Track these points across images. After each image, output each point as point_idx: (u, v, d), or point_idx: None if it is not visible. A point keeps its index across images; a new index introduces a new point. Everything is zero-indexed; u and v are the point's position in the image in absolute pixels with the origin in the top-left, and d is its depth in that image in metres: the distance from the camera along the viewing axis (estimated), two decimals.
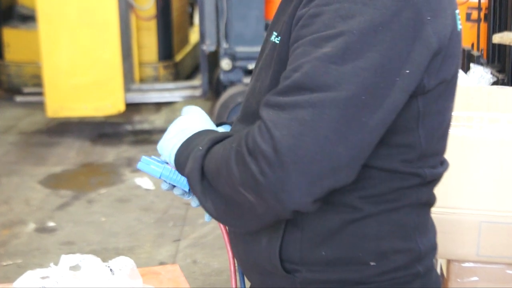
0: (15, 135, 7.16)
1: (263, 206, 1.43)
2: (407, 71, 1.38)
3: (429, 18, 1.40)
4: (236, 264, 1.78)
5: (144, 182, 5.79)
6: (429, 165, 1.56)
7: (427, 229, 1.63)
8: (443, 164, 1.66)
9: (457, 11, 1.53)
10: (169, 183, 1.75)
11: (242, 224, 1.55)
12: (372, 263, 1.54)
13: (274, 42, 1.55)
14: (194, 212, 5.18)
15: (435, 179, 1.62)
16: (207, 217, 1.72)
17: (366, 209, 1.51)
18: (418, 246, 1.58)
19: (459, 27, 1.53)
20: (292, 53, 1.42)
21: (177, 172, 1.71)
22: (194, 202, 1.74)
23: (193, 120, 1.67)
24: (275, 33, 1.57)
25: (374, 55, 1.35)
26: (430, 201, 1.64)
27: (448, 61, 1.48)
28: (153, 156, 1.77)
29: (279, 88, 1.39)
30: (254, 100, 1.63)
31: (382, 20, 1.35)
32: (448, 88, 1.53)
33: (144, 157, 1.75)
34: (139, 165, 1.75)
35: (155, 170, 1.73)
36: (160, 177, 1.73)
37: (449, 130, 1.65)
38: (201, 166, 1.52)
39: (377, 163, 1.49)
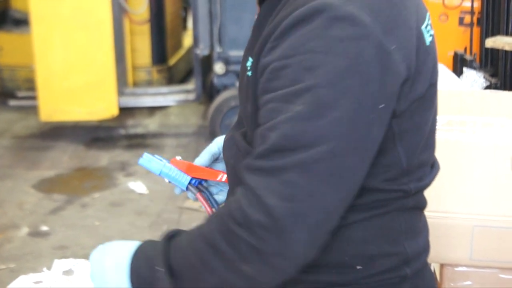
0: (9, 139, 7.15)
1: (269, 273, 1.40)
2: (381, 106, 1.38)
3: (393, 47, 1.38)
4: None
5: (138, 186, 5.79)
6: (415, 179, 1.57)
7: (416, 232, 1.63)
8: (433, 169, 1.67)
9: (423, 26, 1.51)
10: (169, 181, 1.79)
11: None
12: (358, 267, 1.55)
13: (248, 75, 1.54)
14: (187, 216, 5.18)
15: (424, 188, 1.62)
16: (190, 194, 1.80)
17: (351, 217, 1.51)
18: (405, 250, 1.58)
19: (428, 41, 1.51)
20: (263, 105, 1.41)
21: (176, 170, 1.77)
22: (190, 194, 1.80)
23: (110, 253, 1.54)
24: (248, 63, 1.55)
25: (346, 102, 1.34)
26: (420, 205, 1.64)
27: (418, 80, 1.47)
28: (156, 155, 1.82)
29: (260, 152, 1.38)
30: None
31: (346, 65, 1.34)
32: (423, 103, 1.51)
33: (146, 154, 1.81)
34: (141, 161, 1.81)
35: (155, 167, 1.80)
36: (159, 174, 1.80)
37: (434, 136, 1.64)
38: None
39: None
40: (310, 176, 1.34)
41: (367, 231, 1.53)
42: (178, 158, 1.83)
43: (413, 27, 1.45)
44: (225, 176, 1.84)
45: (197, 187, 1.82)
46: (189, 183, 1.81)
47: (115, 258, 1.50)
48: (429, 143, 1.61)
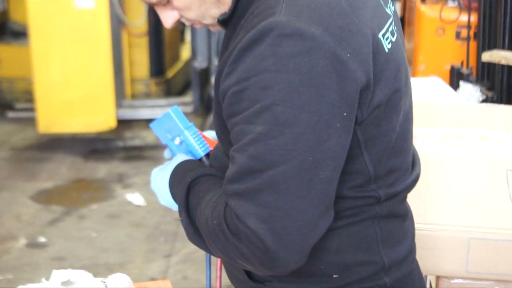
0: (7, 150, 7.16)
1: (259, 272, 1.51)
2: (345, 114, 1.41)
3: (348, 55, 1.40)
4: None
5: (135, 198, 5.80)
6: (385, 185, 1.58)
7: (395, 240, 1.64)
8: (411, 173, 1.68)
9: (380, 34, 1.52)
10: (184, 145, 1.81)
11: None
12: (335, 276, 1.58)
13: (213, 96, 1.58)
14: None
15: (398, 194, 1.63)
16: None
17: None
18: (381, 259, 1.60)
19: (387, 48, 1.53)
20: (231, 129, 1.46)
21: (199, 138, 1.79)
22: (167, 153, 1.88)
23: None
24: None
25: (305, 117, 1.37)
26: (397, 213, 1.65)
27: (378, 86, 1.48)
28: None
29: (231, 176, 1.43)
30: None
31: (300, 80, 1.37)
32: (387, 110, 1.53)
33: (177, 107, 1.81)
34: (173, 109, 1.80)
35: (184, 122, 1.80)
36: (186, 129, 1.80)
37: (408, 140, 1.65)
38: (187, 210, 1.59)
39: None
40: (282, 195, 1.38)
41: (341, 239, 1.56)
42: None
43: (368, 35, 1.47)
44: None
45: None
46: (206, 154, 1.80)
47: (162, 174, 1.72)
48: (401, 147, 1.62)
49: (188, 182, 1.60)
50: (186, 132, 1.78)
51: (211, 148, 1.78)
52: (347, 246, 1.57)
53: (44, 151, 7.10)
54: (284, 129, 1.37)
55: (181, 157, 1.73)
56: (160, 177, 1.72)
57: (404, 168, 1.64)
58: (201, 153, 1.78)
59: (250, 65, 1.39)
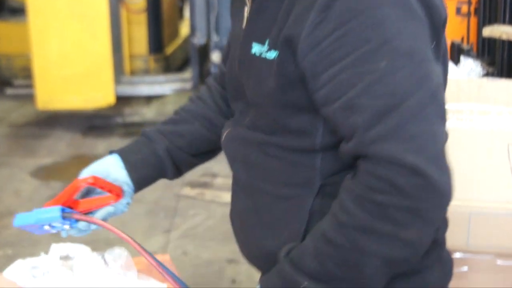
0: (5, 127, 7.15)
1: (428, 230, 1.39)
2: (433, 45, 1.45)
3: None
4: None
5: None
6: None
7: None
8: None
9: None
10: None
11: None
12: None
13: (265, 58, 1.49)
14: (185, 203, 5.19)
15: None
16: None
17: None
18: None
19: None
20: (331, 80, 1.38)
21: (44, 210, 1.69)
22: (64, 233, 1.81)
23: None
24: (261, 46, 1.51)
25: (418, 45, 1.37)
26: None
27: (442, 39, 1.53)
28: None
29: (366, 122, 1.35)
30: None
31: (403, 13, 1.37)
32: (445, 57, 1.57)
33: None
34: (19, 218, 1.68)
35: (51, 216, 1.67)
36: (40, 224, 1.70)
37: None
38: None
39: None
40: (424, 121, 1.34)
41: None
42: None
43: None
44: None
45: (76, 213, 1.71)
46: (63, 211, 1.69)
47: None
48: None
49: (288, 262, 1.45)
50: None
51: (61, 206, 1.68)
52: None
53: (43, 128, 7.09)
54: (406, 60, 1.35)
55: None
56: None
57: None
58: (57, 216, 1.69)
59: (347, 7, 1.37)
